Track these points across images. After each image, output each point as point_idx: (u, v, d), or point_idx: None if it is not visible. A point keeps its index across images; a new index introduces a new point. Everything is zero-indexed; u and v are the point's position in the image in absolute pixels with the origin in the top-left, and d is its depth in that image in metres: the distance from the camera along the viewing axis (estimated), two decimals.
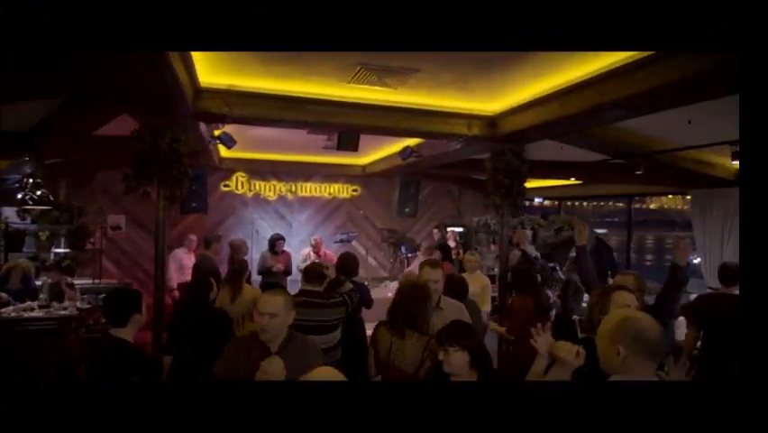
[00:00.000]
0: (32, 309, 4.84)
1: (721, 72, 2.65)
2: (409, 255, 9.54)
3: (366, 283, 5.29)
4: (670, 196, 9.46)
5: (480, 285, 4.22)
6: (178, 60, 3.09)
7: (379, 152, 7.79)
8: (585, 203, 10.87)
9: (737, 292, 3.27)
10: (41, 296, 5.14)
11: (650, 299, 3.00)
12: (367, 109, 4.49)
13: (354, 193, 9.57)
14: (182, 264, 6.30)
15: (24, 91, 3.46)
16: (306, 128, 4.83)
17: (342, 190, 9.48)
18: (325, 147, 5.90)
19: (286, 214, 9.20)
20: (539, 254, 6.57)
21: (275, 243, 6.34)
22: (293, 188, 9.17)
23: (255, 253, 7.20)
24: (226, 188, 8.77)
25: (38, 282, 5.51)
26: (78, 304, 5.19)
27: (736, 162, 4.59)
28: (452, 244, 7.91)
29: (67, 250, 6.60)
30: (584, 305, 4.79)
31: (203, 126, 4.87)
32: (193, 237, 6.64)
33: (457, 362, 2.04)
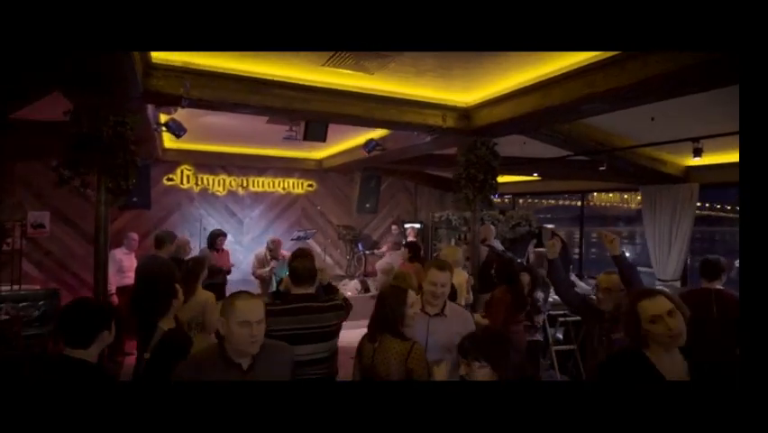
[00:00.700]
0: None
1: (719, 62, 2.63)
2: (366, 252, 9.28)
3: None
4: (611, 194, 9.92)
5: (460, 279, 4.18)
6: None
7: (337, 145, 7.45)
8: (537, 200, 11.13)
9: (719, 287, 3.29)
10: None
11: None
12: (338, 96, 4.16)
13: (310, 189, 9.17)
14: (122, 266, 5.71)
15: None
16: (271, 115, 4.40)
17: (296, 186, 9.05)
18: (287, 137, 5.46)
19: (236, 210, 8.63)
20: (504, 248, 6.54)
21: (216, 239, 5.96)
22: (244, 183, 8.63)
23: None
24: (170, 183, 8.07)
25: None
26: None
27: (698, 159, 4.70)
28: (411, 239, 7.78)
29: None
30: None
31: (150, 110, 4.32)
32: (134, 236, 6.00)
33: (481, 379, 1.81)
